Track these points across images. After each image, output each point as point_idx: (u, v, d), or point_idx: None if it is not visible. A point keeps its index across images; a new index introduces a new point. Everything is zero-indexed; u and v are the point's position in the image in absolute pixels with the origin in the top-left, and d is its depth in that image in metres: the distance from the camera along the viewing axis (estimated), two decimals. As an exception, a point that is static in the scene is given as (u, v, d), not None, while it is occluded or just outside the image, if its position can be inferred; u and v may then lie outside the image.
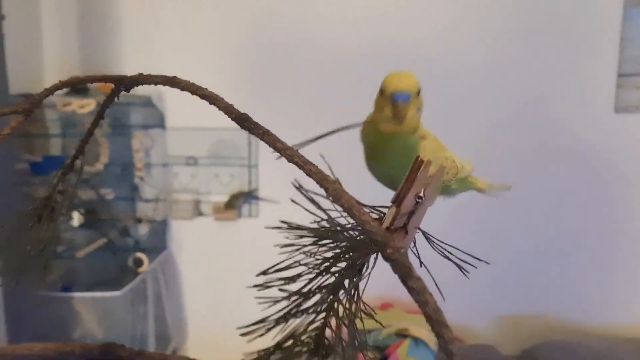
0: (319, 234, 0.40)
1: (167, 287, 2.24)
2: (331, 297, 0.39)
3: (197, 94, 0.44)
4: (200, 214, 2.29)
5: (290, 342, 0.40)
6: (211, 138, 2.24)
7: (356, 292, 0.39)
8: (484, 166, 0.82)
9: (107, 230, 2.00)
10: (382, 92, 0.48)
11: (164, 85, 0.46)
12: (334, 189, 0.36)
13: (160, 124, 2.21)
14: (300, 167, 0.40)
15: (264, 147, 2.23)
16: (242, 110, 0.43)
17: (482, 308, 2.29)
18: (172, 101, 2.23)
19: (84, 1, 2.21)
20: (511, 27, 2.12)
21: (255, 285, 0.39)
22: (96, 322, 1.77)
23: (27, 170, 1.81)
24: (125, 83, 0.48)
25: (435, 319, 0.30)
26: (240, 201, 2.23)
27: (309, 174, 0.39)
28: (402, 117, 0.47)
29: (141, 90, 2.14)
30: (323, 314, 0.40)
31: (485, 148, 2.15)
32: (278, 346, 0.40)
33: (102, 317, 1.79)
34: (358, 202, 0.36)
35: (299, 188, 0.37)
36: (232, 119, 0.42)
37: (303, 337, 0.40)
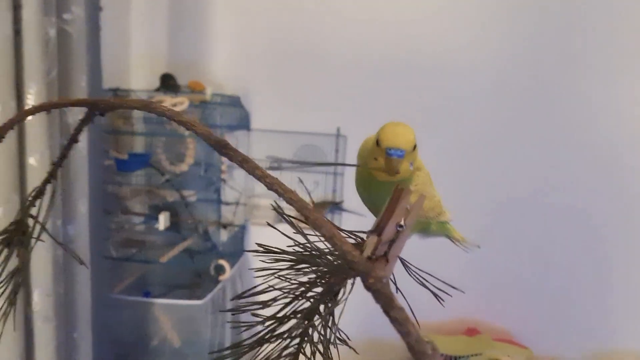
0: (296, 258, 0.41)
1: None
2: (306, 322, 0.39)
3: (174, 120, 0.41)
4: (281, 220, 2.18)
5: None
6: (297, 142, 2.14)
7: (331, 318, 0.39)
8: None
9: (190, 234, 1.92)
10: (377, 142, 0.47)
11: (140, 110, 0.43)
12: (314, 218, 0.36)
13: (246, 125, 2.12)
14: (279, 194, 0.40)
15: (351, 155, 2.11)
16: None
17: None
18: (259, 102, 2.14)
19: (175, 2, 2.15)
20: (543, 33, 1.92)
21: (230, 310, 0.40)
22: (175, 328, 1.69)
23: (113, 167, 1.75)
24: (100, 107, 0.45)
25: (417, 350, 0.30)
26: (324, 211, 2.11)
27: (289, 202, 0.39)
28: (395, 172, 0.47)
29: (230, 89, 2.06)
30: (297, 340, 0.40)
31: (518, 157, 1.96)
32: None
33: (182, 324, 1.71)
34: (338, 229, 0.36)
35: (277, 209, 0.40)
36: (210, 145, 0.40)
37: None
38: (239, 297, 0.40)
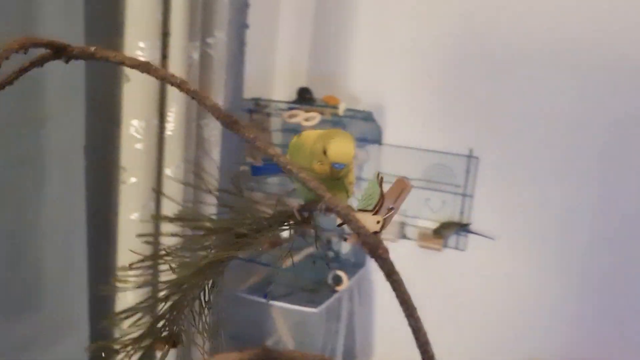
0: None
1: (360, 305, 2.18)
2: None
3: (180, 88, 0.40)
4: (404, 236, 2.18)
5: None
6: (427, 160, 2.11)
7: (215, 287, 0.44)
8: None
9: (313, 242, 1.98)
10: (324, 152, 0.51)
11: (137, 69, 0.40)
12: (329, 198, 0.40)
13: (377, 139, 2.14)
14: (293, 174, 0.41)
15: (482, 177, 2.05)
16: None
17: None
18: (393, 117, 2.15)
19: (320, 14, 2.23)
20: None
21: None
22: (290, 332, 1.76)
23: (247, 173, 1.87)
24: (72, 54, 0.40)
25: (409, 305, 0.40)
26: (450, 232, 2.07)
27: (304, 181, 0.41)
28: (337, 177, 0.52)
29: (364, 104, 2.10)
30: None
31: None
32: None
33: (296, 328, 1.78)
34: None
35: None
36: (219, 121, 0.40)
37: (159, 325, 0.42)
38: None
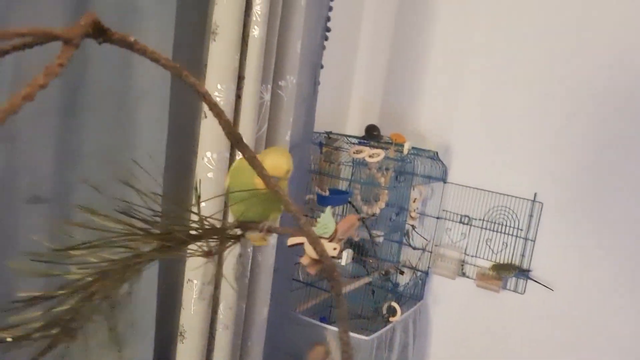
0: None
1: (415, 338, 2.19)
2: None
3: (199, 93, 0.40)
4: (462, 274, 2.18)
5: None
6: (491, 201, 2.12)
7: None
8: None
9: (371, 271, 2.04)
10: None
11: (166, 68, 0.40)
12: (304, 224, 0.44)
13: (442, 177, 2.17)
14: (285, 205, 0.45)
15: (545, 223, 2.02)
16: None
17: None
18: (458, 158, 2.18)
19: (395, 56, 2.30)
20: None
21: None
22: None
23: (313, 201, 1.95)
24: (109, 37, 0.35)
25: (343, 317, 0.43)
26: (509, 274, 2.05)
27: (288, 209, 0.44)
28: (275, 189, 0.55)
29: (430, 144, 2.14)
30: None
31: None
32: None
33: (348, 353, 1.82)
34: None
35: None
36: (226, 134, 0.42)
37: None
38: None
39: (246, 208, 0.57)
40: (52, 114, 1.01)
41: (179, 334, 1.21)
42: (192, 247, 0.50)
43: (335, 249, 0.49)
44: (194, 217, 0.50)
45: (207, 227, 0.50)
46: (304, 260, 0.49)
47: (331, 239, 0.50)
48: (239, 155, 1.17)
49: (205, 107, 1.13)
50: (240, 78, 1.15)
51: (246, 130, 1.17)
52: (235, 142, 0.43)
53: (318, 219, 0.54)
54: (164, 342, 1.24)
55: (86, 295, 0.42)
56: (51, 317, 0.41)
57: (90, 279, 0.42)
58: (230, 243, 0.55)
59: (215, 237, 0.52)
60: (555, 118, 1.99)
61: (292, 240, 0.53)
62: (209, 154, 1.12)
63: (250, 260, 1.30)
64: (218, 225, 0.51)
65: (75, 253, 0.42)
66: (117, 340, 0.46)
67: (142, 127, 1.06)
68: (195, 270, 1.17)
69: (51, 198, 1.04)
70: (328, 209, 0.54)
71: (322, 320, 1.89)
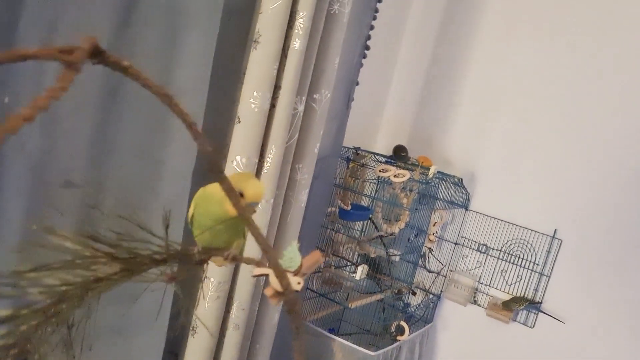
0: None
1: (420, 358, 2.17)
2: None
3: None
4: (474, 302, 2.15)
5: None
6: (510, 233, 2.09)
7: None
8: None
9: (384, 288, 2.03)
10: (240, 194, 0.52)
11: (155, 95, 0.38)
12: (272, 256, 0.45)
13: (465, 204, 2.15)
14: (256, 237, 0.44)
15: (563, 260, 1.99)
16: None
17: None
18: (482, 187, 2.16)
19: (431, 80, 2.30)
20: None
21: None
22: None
23: (335, 214, 1.96)
24: (105, 59, 0.34)
25: (299, 350, 0.43)
26: (520, 307, 2.02)
27: (258, 241, 0.44)
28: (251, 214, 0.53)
29: (456, 170, 2.13)
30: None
31: None
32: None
33: (352, 367, 1.81)
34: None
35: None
36: (208, 165, 0.41)
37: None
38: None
39: (212, 237, 0.57)
40: (92, 107, 1.04)
41: (191, 328, 1.22)
42: (155, 271, 0.50)
43: (299, 283, 0.49)
44: (160, 242, 0.49)
45: (171, 252, 0.50)
46: (268, 292, 0.49)
47: (296, 273, 0.50)
48: (271, 163, 1.18)
49: (239, 112, 1.15)
50: (276, 87, 1.17)
51: (277, 138, 1.18)
52: (217, 173, 0.42)
53: (284, 252, 0.53)
54: (176, 334, 1.26)
55: (43, 319, 0.41)
56: (7, 339, 0.40)
57: (48, 301, 0.41)
58: (193, 268, 0.56)
59: (179, 261, 0.52)
60: (581, 158, 1.96)
61: (257, 271, 0.52)
62: (238, 157, 1.14)
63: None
64: (182, 250, 0.52)
65: (31, 275, 0.41)
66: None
67: (176, 126, 1.08)
68: (213, 268, 1.18)
69: (82, 185, 1.07)
70: (294, 243, 0.53)
71: (331, 331, 1.89)
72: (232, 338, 1.25)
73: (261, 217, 1.18)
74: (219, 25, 1.10)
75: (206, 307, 1.20)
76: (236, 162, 1.14)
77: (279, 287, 0.47)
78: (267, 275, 0.51)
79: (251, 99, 1.12)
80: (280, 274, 0.46)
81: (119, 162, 1.11)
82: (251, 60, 1.13)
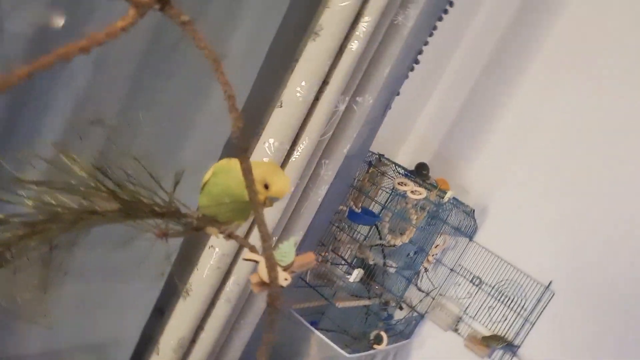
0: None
1: (391, 371, 2.18)
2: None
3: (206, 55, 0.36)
4: (455, 329, 2.16)
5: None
6: (506, 273, 2.09)
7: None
8: None
9: (373, 296, 2.03)
10: (265, 185, 0.52)
11: (173, 21, 0.35)
12: (268, 246, 0.43)
13: (470, 235, 2.15)
14: (260, 227, 0.43)
15: (550, 312, 1.99)
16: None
17: None
18: (491, 222, 2.15)
19: (467, 106, 2.29)
20: None
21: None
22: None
23: (344, 213, 1.96)
24: (168, 9, 0.34)
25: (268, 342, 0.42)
26: (498, 345, 2.03)
27: (259, 225, 0.42)
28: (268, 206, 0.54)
29: (470, 200, 2.12)
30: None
31: None
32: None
33: (324, 363, 1.83)
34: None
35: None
36: (234, 137, 0.39)
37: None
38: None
39: (216, 209, 0.55)
40: (141, 57, 1.04)
41: (184, 290, 1.24)
42: (150, 222, 0.48)
43: (286, 279, 0.47)
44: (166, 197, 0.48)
45: (172, 208, 0.48)
46: (253, 278, 0.48)
47: (285, 269, 0.49)
48: (301, 153, 1.19)
49: (283, 97, 1.15)
50: (324, 82, 1.16)
51: (312, 131, 1.19)
52: (242, 150, 0.40)
53: (280, 245, 0.52)
54: (168, 293, 1.27)
55: (29, 232, 0.41)
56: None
57: (40, 217, 0.41)
58: (186, 230, 0.53)
59: (177, 220, 0.50)
60: (595, 223, 1.95)
61: (249, 255, 0.51)
62: (271, 140, 1.14)
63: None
64: (183, 211, 0.50)
65: (31, 187, 0.41)
66: (45, 282, 0.45)
67: (218, 95, 1.08)
68: (219, 239, 1.19)
69: (111, 126, 1.07)
70: (293, 239, 0.52)
71: (313, 323, 1.90)
72: (222, 310, 1.27)
73: (277, 203, 1.19)
74: (286, 7, 1.10)
75: (204, 275, 1.21)
76: (268, 144, 1.14)
77: (265, 278, 0.46)
78: (257, 263, 0.50)
79: (298, 88, 1.12)
80: (271, 266, 0.44)
81: (154, 115, 1.11)
82: (307, 50, 1.13)
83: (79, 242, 0.46)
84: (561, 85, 2.08)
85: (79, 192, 0.42)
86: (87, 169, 0.42)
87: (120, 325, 1.22)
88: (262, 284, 0.47)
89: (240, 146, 0.40)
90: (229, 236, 0.56)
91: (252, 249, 0.54)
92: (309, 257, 0.53)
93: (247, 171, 0.41)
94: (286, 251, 0.52)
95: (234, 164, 0.56)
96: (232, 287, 1.26)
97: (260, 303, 1.41)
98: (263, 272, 0.46)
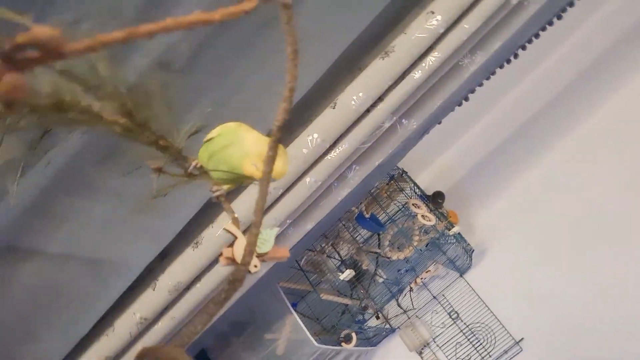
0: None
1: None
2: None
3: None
4: (419, 353, 2.24)
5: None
6: (483, 317, 2.17)
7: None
8: None
9: (355, 298, 2.12)
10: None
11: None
12: (256, 226, 0.42)
13: (462, 271, 2.22)
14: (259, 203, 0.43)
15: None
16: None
17: None
18: (485, 265, 2.22)
19: (497, 153, 2.34)
20: None
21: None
22: (285, 342, 1.91)
23: (353, 215, 2.04)
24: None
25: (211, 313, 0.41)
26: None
27: (258, 204, 0.42)
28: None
29: (473, 240, 2.19)
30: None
31: None
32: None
33: (294, 344, 1.92)
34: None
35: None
36: (280, 112, 0.39)
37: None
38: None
39: (212, 167, 0.53)
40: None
41: (194, 242, 1.32)
42: (150, 152, 0.46)
43: (256, 266, 0.47)
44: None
45: (175, 146, 0.47)
46: (226, 252, 0.47)
47: (258, 256, 0.48)
48: (337, 154, 1.26)
49: (338, 100, 1.21)
50: (379, 99, 1.23)
51: (353, 139, 1.26)
52: (277, 135, 0.39)
53: (262, 230, 0.48)
54: (177, 243, 1.35)
55: (25, 108, 0.34)
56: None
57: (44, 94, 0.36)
58: (180, 175, 0.52)
59: (175, 161, 0.49)
60: (573, 300, 2.02)
61: (230, 228, 0.51)
62: (315, 135, 1.22)
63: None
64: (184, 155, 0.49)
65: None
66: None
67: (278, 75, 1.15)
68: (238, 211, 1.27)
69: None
70: (276, 230, 0.51)
71: (293, 305, 1.99)
72: (224, 268, 1.35)
73: (303, 192, 1.27)
74: (365, 23, 1.16)
75: (217, 234, 1.29)
76: (311, 138, 1.21)
77: (238, 258, 0.45)
78: (235, 238, 0.49)
79: (354, 96, 1.19)
80: (250, 246, 0.42)
81: (206, 73, 1.16)
82: (373, 65, 1.19)
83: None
84: (588, 169, 2.13)
85: (91, 85, 0.39)
86: (110, 67, 0.39)
87: (130, 255, 1.30)
88: (232, 260, 0.47)
89: (275, 136, 0.39)
90: (218, 198, 0.55)
91: (236, 221, 0.53)
92: (283, 252, 0.52)
93: (270, 157, 0.40)
94: (266, 239, 0.50)
95: (243, 131, 0.54)
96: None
97: (256, 275, 1.49)
98: (238, 251, 0.46)
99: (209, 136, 0.55)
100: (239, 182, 0.56)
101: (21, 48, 0.18)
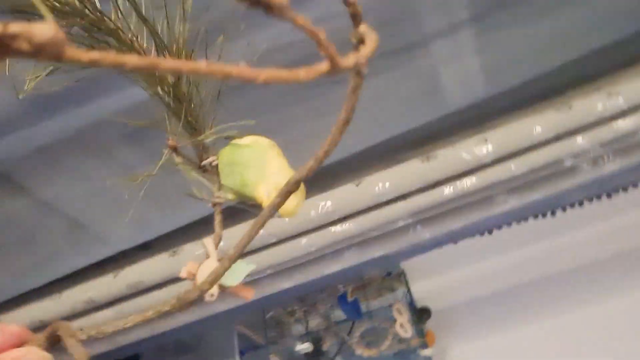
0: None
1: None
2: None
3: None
4: None
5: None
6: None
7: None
8: None
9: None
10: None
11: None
12: (236, 254, 0.38)
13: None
14: (252, 230, 0.40)
15: None
16: None
17: None
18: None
19: (505, 292, 2.28)
20: None
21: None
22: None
23: (336, 292, 1.99)
24: None
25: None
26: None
27: (251, 231, 0.39)
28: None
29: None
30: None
31: None
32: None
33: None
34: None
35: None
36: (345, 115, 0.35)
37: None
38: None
39: (228, 172, 0.51)
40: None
41: (174, 249, 1.30)
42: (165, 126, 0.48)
43: (212, 295, 0.43)
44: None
45: (201, 135, 0.47)
46: (191, 266, 0.44)
47: (220, 287, 0.45)
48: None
49: (364, 179, 1.20)
50: (402, 196, 1.22)
51: (361, 222, 1.24)
52: (306, 174, 0.37)
53: (235, 265, 0.44)
54: (161, 243, 1.33)
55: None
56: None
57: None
58: (192, 160, 0.53)
59: (195, 148, 0.50)
60: None
61: (207, 243, 0.47)
62: (329, 203, 1.20)
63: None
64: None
65: None
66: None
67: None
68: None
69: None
70: (252, 266, 0.47)
71: (241, 352, 1.93)
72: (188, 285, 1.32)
73: (294, 251, 1.25)
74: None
75: (197, 253, 1.27)
76: (324, 204, 1.20)
77: (200, 277, 0.42)
78: (207, 256, 0.47)
79: (380, 183, 1.18)
80: (218, 272, 0.39)
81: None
82: (411, 163, 1.19)
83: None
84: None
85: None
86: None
87: (113, 232, 1.28)
88: (193, 277, 0.44)
89: (304, 177, 0.37)
90: (214, 205, 0.53)
91: (217, 238, 0.50)
92: (247, 293, 0.48)
93: (289, 190, 0.38)
94: (236, 274, 0.46)
95: (270, 155, 0.49)
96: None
97: (225, 307, 1.45)
98: (202, 273, 0.43)
99: (238, 141, 0.52)
100: (244, 199, 0.52)
101: (12, 37, 0.17)
